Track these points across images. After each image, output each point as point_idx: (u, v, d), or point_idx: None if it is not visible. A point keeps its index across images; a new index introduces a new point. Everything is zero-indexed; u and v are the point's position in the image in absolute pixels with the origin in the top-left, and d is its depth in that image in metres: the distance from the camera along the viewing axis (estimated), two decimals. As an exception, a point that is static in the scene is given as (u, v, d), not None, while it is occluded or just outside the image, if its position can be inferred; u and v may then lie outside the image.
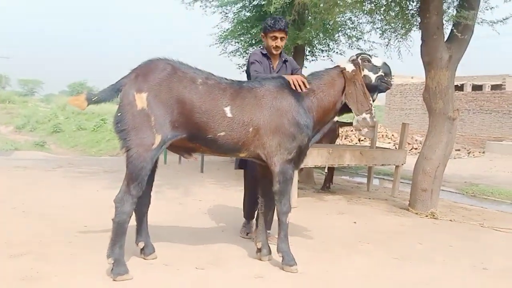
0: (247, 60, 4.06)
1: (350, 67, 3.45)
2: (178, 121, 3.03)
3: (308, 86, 3.35)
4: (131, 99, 2.95)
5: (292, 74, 4.00)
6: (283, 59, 4.10)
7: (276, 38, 3.91)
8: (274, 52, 3.99)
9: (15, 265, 3.11)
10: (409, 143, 16.47)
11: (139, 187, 2.96)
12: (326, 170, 6.91)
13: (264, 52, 4.05)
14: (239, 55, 10.21)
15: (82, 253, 3.43)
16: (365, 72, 3.46)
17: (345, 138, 15.70)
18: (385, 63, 3.54)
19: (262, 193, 3.58)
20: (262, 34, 4.03)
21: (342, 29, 8.96)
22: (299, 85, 3.31)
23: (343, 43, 9.44)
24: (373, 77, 3.47)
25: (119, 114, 2.96)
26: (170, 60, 3.14)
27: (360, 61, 3.47)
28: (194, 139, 3.15)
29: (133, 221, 3.18)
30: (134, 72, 3.05)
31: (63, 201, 5.14)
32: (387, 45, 7.04)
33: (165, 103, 2.99)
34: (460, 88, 20.80)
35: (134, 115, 2.93)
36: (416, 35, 6.30)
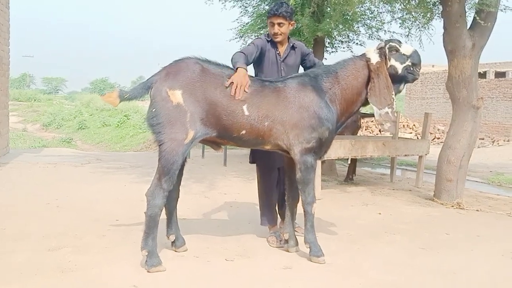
0: None
1: (375, 58, 3.41)
2: (209, 120, 3.13)
3: (247, 91, 3.19)
4: (165, 95, 3.04)
5: (303, 59, 3.92)
6: (291, 44, 3.88)
7: (273, 24, 3.73)
8: (274, 39, 3.78)
9: (54, 258, 3.25)
10: (431, 133, 16.27)
11: (170, 181, 3.06)
12: (349, 162, 6.93)
13: (269, 39, 3.84)
14: (259, 48, 10.22)
15: (115, 245, 3.56)
16: (392, 62, 3.41)
17: (365, 129, 15.60)
18: (415, 52, 3.45)
19: (288, 185, 3.63)
20: (267, 21, 3.85)
21: (362, 19, 8.89)
22: (237, 91, 3.16)
23: (362, 34, 9.36)
24: (399, 67, 3.42)
25: (153, 110, 3.06)
26: (199, 59, 3.23)
27: (387, 51, 3.41)
28: (221, 137, 3.26)
29: (163, 215, 3.28)
30: (164, 70, 3.15)
31: (94, 196, 5.31)
32: (407, 34, 6.98)
33: (199, 101, 3.08)
34: (482, 75, 20.42)
35: (169, 110, 3.03)
36: (437, 23, 6.24)
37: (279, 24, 3.72)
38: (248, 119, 3.18)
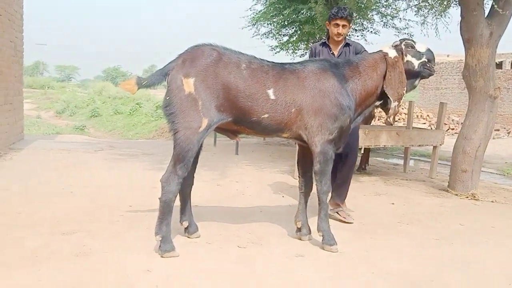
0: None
1: (392, 53, 3.47)
2: (224, 105, 3.11)
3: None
4: (179, 84, 3.03)
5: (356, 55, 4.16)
6: (345, 43, 4.25)
7: (338, 25, 4.12)
8: (336, 38, 4.18)
9: (68, 242, 3.29)
10: (445, 123, 16.08)
11: (185, 168, 3.06)
12: (362, 151, 6.87)
13: (323, 40, 4.33)
14: (271, 36, 10.19)
15: (129, 230, 3.59)
16: (408, 58, 3.50)
17: (378, 119, 15.47)
18: (429, 49, 3.56)
19: (301, 173, 3.63)
20: (327, 22, 4.25)
21: (376, 7, 8.79)
22: None
23: (377, 22, 9.27)
24: (416, 63, 3.51)
25: (167, 98, 3.06)
26: (215, 45, 3.20)
27: (403, 47, 3.50)
28: (239, 122, 3.23)
29: (177, 202, 3.29)
30: (181, 57, 3.13)
31: (107, 182, 5.35)
32: (423, 22, 6.87)
33: (212, 88, 3.06)
34: (499, 65, 20.04)
35: (182, 99, 3.02)
36: (454, 11, 6.13)
37: (343, 26, 4.13)
38: (273, 104, 3.17)
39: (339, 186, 4.29)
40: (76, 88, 43.54)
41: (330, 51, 4.25)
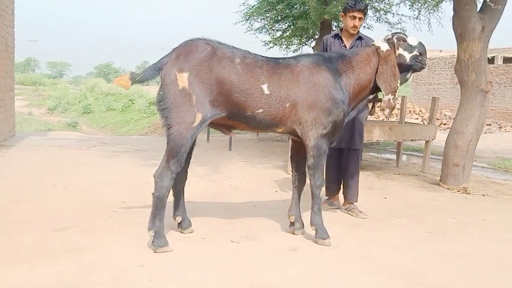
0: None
1: (385, 47, 3.48)
2: (218, 100, 3.10)
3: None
4: (173, 78, 3.02)
5: None
6: (358, 36, 4.20)
7: (354, 17, 4.06)
8: (352, 31, 4.13)
9: (61, 238, 3.27)
10: (438, 118, 16.17)
11: (178, 163, 3.06)
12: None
13: (336, 32, 4.29)
14: (265, 31, 10.17)
15: (122, 226, 3.58)
16: (400, 51, 3.50)
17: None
18: (420, 43, 3.56)
19: (295, 168, 3.64)
20: (342, 13, 4.21)
21: (370, 2, 8.79)
22: None
23: (370, 17, 9.28)
24: (408, 56, 3.51)
25: (161, 93, 3.04)
26: (209, 40, 3.19)
27: (395, 41, 3.50)
28: (233, 117, 3.22)
29: (170, 197, 3.28)
30: (175, 52, 3.11)
31: (100, 178, 5.32)
32: (416, 17, 6.90)
33: (205, 82, 3.05)
34: (491, 60, 20.16)
35: (175, 94, 3.00)
36: (446, 6, 6.16)
37: (359, 18, 4.08)
38: (268, 99, 3.16)
39: (348, 187, 4.32)
40: (68, 85, 43.26)
41: (342, 43, 4.21)
